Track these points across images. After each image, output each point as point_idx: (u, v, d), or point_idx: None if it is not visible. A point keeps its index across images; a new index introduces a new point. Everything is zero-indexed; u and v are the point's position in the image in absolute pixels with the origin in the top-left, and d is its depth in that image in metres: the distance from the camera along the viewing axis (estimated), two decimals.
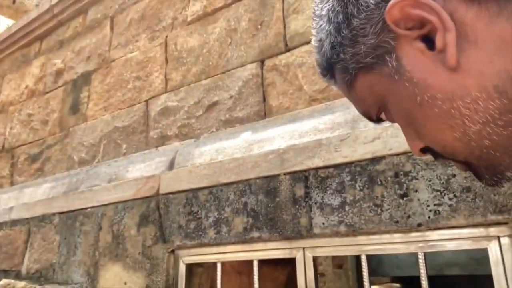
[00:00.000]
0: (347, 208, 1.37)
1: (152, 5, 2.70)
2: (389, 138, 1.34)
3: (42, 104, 3.28)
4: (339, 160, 1.43)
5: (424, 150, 0.51)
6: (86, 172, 2.54)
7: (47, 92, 3.27)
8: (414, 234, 1.25)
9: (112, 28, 2.94)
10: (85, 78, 2.98)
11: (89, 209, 2.19)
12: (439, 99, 0.42)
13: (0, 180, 3.39)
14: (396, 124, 0.52)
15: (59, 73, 3.20)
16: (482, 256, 2.95)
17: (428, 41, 0.43)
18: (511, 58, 0.38)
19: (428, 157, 1.27)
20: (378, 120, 0.56)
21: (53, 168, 2.96)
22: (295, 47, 1.94)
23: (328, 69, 0.56)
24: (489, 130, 0.41)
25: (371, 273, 1.37)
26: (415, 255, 1.26)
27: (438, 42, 0.42)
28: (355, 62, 0.50)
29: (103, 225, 2.09)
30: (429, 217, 1.21)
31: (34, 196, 2.69)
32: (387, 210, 1.29)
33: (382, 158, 1.34)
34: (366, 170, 1.37)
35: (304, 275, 1.43)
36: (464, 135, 0.42)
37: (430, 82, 0.43)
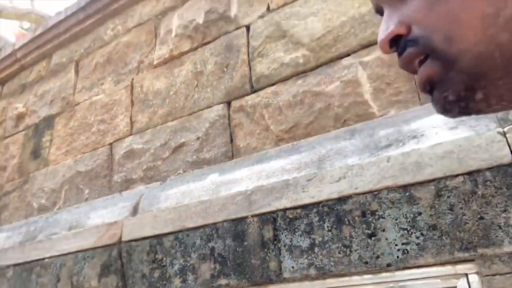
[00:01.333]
0: (316, 250, 1.34)
1: (118, 49, 2.69)
2: (354, 177, 1.34)
3: (1, 149, 3.14)
4: (307, 200, 1.41)
5: (394, 42, 0.41)
6: (45, 219, 2.41)
7: (7, 137, 3.15)
8: (384, 274, 1.23)
9: (77, 72, 2.91)
10: (48, 122, 2.90)
11: (46, 260, 2.06)
12: None
13: None
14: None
15: (20, 117, 3.11)
16: None
17: None
18: None
19: (393, 196, 1.27)
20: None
21: (10, 217, 2.79)
22: (261, 89, 1.96)
23: None
24: None
25: None
26: None
27: None
28: None
29: (62, 276, 1.96)
30: (397, 257, 1.19)
31: None
32: (356, 250, 1.27)
33: (348, 197, 1.34)
34: (333, 210, 1.35)
35: None
36: (491, 16, 0.34)
37: None
